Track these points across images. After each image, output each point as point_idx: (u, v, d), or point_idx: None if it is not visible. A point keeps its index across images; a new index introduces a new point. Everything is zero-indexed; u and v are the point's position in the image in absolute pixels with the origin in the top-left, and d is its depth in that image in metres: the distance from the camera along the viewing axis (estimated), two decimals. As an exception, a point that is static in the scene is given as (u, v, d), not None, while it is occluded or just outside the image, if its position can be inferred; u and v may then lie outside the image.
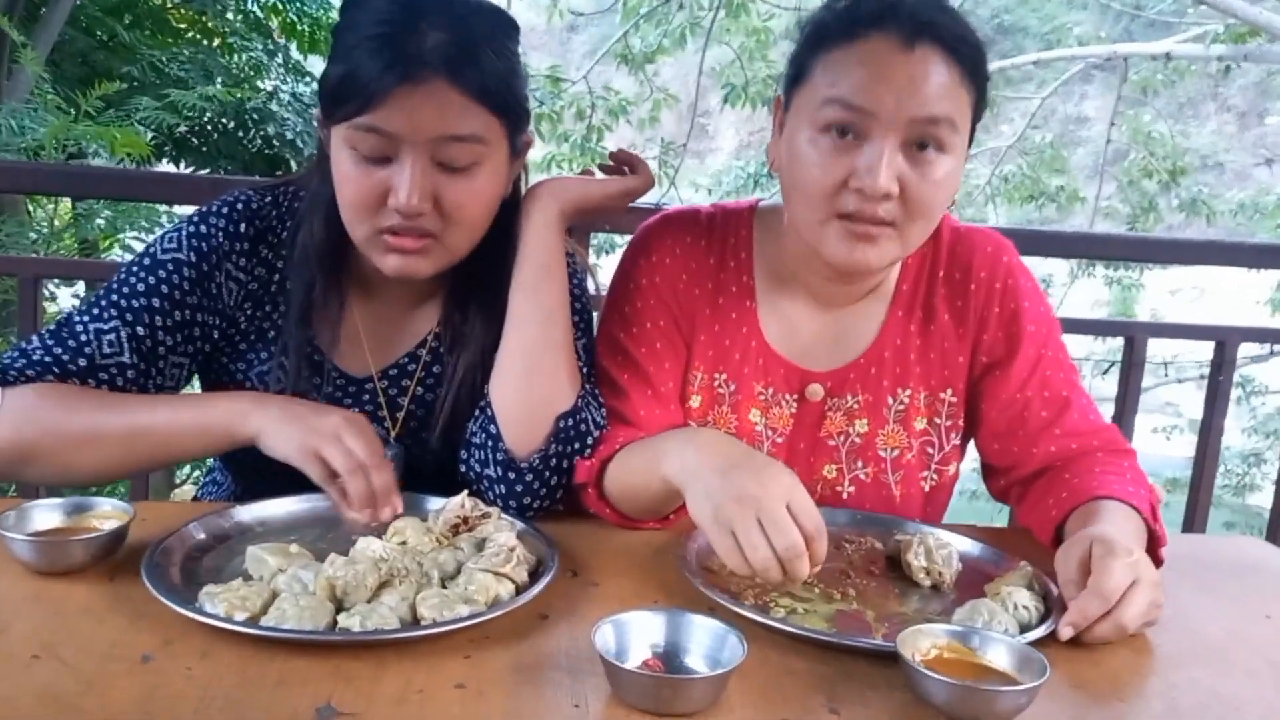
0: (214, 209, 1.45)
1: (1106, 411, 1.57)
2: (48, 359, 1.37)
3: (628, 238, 1.60)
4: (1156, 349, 2.52)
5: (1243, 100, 21.46)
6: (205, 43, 6.47)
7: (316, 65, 6.51)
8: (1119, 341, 2.59)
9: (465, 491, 1.30)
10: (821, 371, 1.50)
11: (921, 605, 1.23)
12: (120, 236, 4.82)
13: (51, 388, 1.35)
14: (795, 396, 1.51)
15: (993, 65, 1.39)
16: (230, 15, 6.57)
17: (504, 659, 1.02)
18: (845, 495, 1.52)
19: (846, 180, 1.31)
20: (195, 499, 1.79)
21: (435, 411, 1.49)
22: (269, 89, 6.14)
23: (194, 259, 1.42)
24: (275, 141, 5.77)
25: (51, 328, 1.40)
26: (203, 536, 1.25)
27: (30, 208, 4.96)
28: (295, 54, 6.69)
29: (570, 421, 1.40)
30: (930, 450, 1.52)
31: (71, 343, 1.38)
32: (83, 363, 1.37)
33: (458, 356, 1.49)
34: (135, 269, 1.42)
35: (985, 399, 1.51)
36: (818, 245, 1.36)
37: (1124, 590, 1.12)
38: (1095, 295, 10.57)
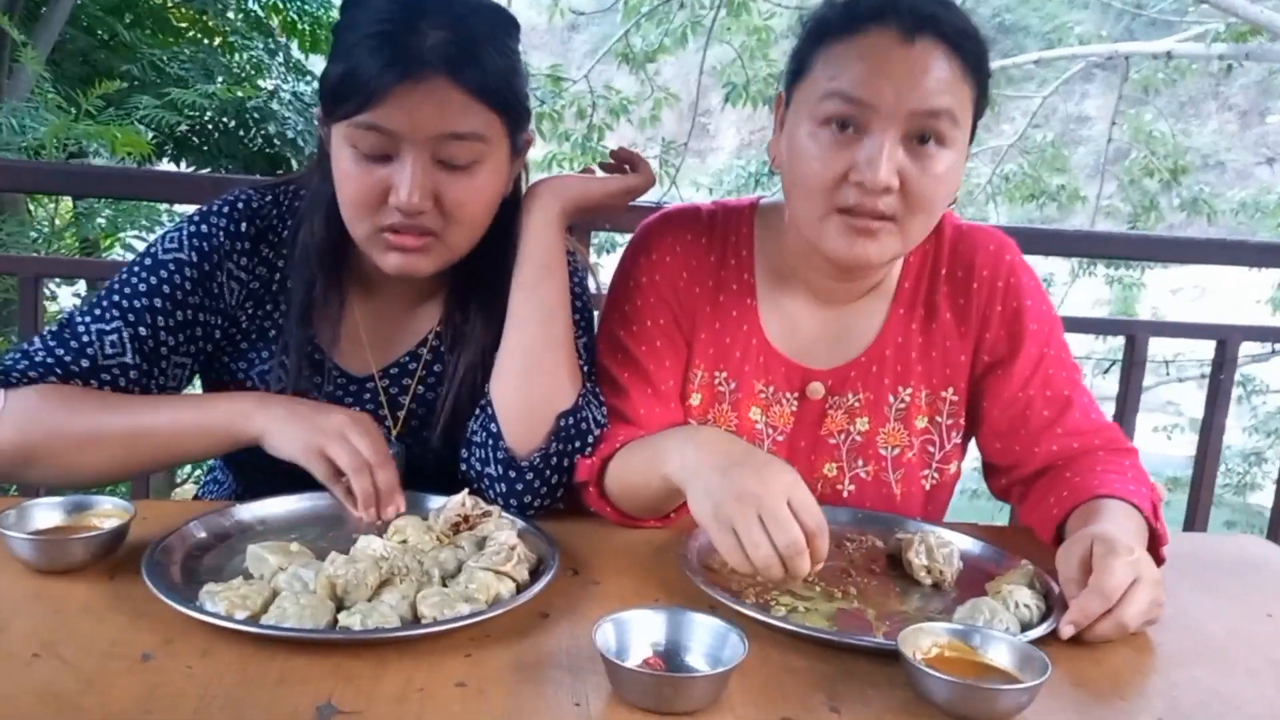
0: (215, 208, 1.45)
1: (1107, 410, 1.57)
2: (50, 360, 1.37)
3: (628, 237, 1.60)
4: (1157, 348, 2.52)
5: (1244, 99, 21.44)
6: (206, 42, 6.46)
7: (317, 64, 6.50)
8: (1120, 340, 2.59)
9: (466, 490, 1.30)
10: (822, 369, 1.50)
11: (922, 604, 1.23)
12: (121, 236, 4.81)
13: (54, 389, 1.35)
14: (796, 395, 1.51)
15: (994, 64, 1.39)
16: (231, 14, 6.57)
17: (505, 657, 1.02)
18: (845, 494, 1.51)
19: (847, 174, 1.30)
20: (196, 498, 1.79)
21: (436, 410, 1.49)
22: (270, 88, 6.13)
23: (195, 259, 1.42)
24: (276, 140, 5.76)
25: (53, 328, 1.40)
26: (203, 535, 1.25)
27: (31, 207, 4.95)
28: (296, 53, 6.68)
29: (571, 420, 1.40)
30: (931, 449, 1.52)
31: (73, 343, 1.38)
32: (85, 363, 1.37)
33: (458, 355, 1.49)
34: (136, 269, 1.42)
35: (987, 398, 1.51)
36: (818, 241, 1.36)
37: (1125, 589, 1.11)
38: (1096, 294, 10.56)
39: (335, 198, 1.37)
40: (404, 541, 1.24)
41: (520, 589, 1.14)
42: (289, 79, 6.46)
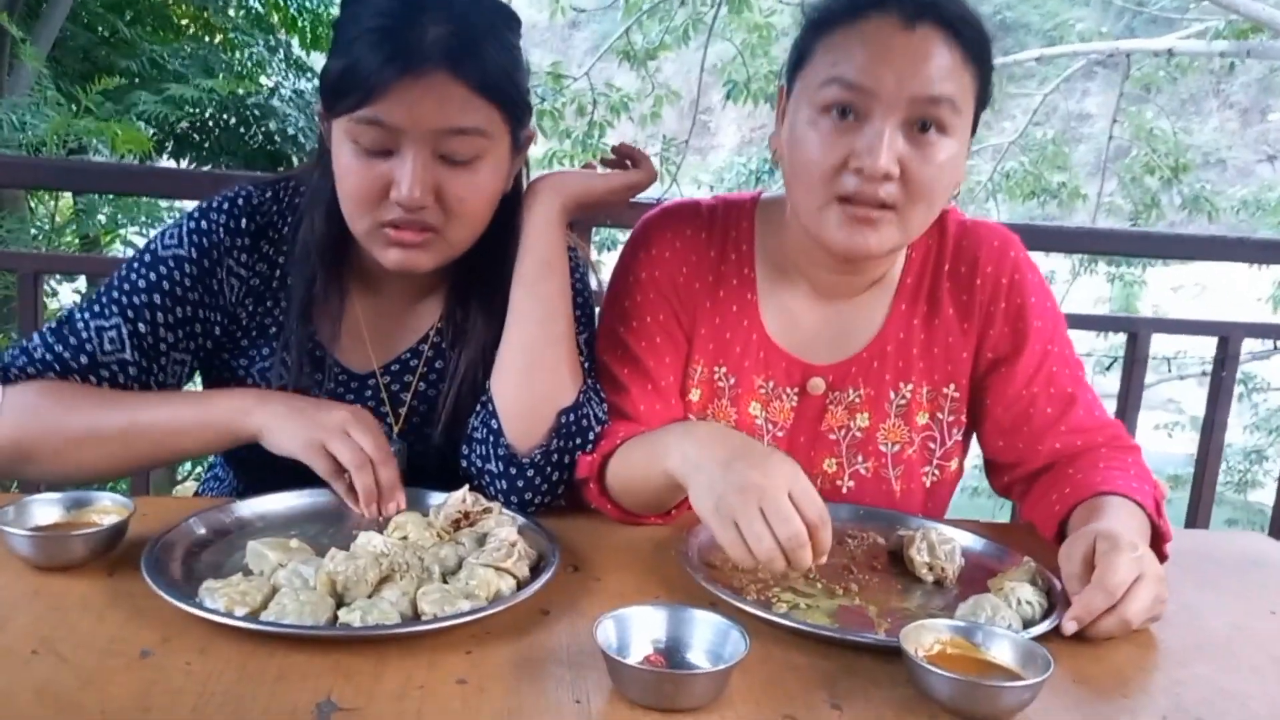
0: (215, 204, 1.45)
1: (1109, 408, 1.56)
2: (49, 357, 1.37)
3: (629, 234, 1.60)
4: (1158, 346, 2.52)
5: (1245, 97, 21.43)
6: (206, 39, 6.46)
7: (318, 61, 6.50)
8: (1120, 339, 2.59)
9: (466, 486, 1.30)
10: (823, 365, 1.50)
11: (924, 601, 1.23)
12: (121, 232, 4.81)
13: (52, 385, 1.35)
14: (796, 390, 1.50)
15: (995, 61, 1.38)
16: (231, 11, 6.57)
17: (505, 654, 1.02)
18: (845, 490, 1.51)
19: (846, 161, 1.30)
20: (197, 495, 1.79)
21: (438, 407, 1.49)
22: (270, 85, 6.13)
23: (195, 255, 1.42)
24: (277, 137, 5.76)
25: (53, 325, 1.40)
26: (203, 531, 1.24)
27: (31, 204, 4.96)
28: (297, 50, 6.68)
29: (572, 417, 1.39)
30: (932, 445, 1.52)
31: (73, 340, 1.38)
32: (84, 360, 1.37)
33: (459, 352, 1.49)
34: (136, 265, 1.41)
35: (990, 395, 1.50)
36: (818, 230, 1.35)
37: (1128, 585, 1.11)
38: (1097, 292, 10.58)
39: (336, 193, 1.37)
40: (404, 538, 1.23)
41: (521, 586, 1.14)
42: (290, 76, 6.46)
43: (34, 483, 1.84)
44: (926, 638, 1.02)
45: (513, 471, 1.38)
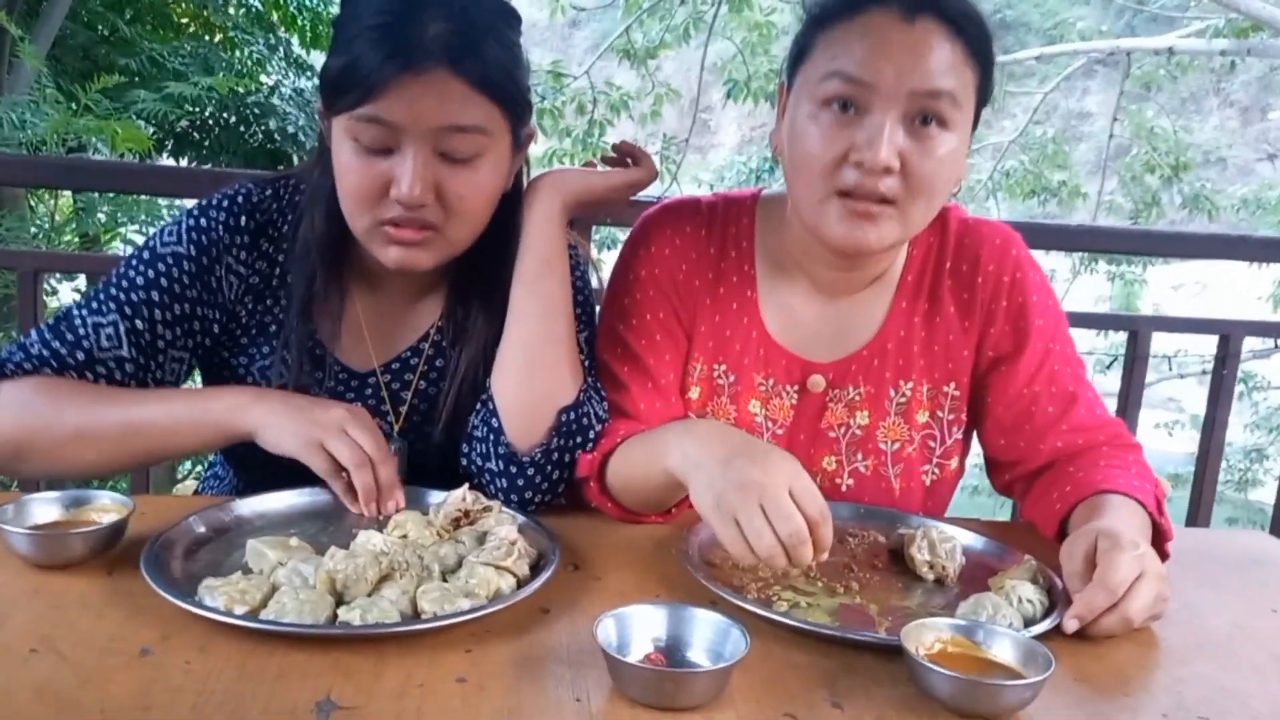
0: (214, 202, 1.45)
1: (1110, 407, 1.56)
2: (45, 353, 1.36)
3: (629, 231, 1.59)
4: (1158, 344, 2.51)
5: (1245, 95, 21.43)
6: (206, 38, 6.46)
7: (318, 60, 6.50)
8: (1120, 337, 2.59)
9: (466, 485, 1.30)
10: (823, 362, 1.50)
11: (925, 599, 1.22)
12: (121, 230, 4.81)
13: (48, 381, 1.35)
14: (796, 387, 1.50)
15: (996, 58, 1.38)
16: (231, 10, 6.56)
17: (505, 653, 1.02)
18: (844, 488, 1.51)
19: (847, 154, 1.30)
20: (197, 493, 1.79)
21: (438, 405, 1.49)
22: (270, 83, 6.13)
23: (194, 252, 1.41)
24: (277, 136, 5.76)
25: (50, 322, 1.40)
26: (202, 530, 1.24)
27: (31, 203, 4.95)
28: (297, 48, 6.68)
29: (572, 415, 1.39)
30: (932, 444, 1.52)
31: (69, 336, 1.38)
32: (80, 356, 1.37)
33: (460, 351, 1.49)
34: (135, 263, 1.41)
35: (991, 394, 1.50)
36: (818, 225, 1.35)
37: (1130, 583, 1.11)
38: (1098, 291, 10.57)
39: (336, 192, 1.36)
40: (404, 536, 1.23)
41: (521, 584, 1.13)
42: (290, 74, 6.46)
43: (32, 480, 1.84)
44: (927, 636, 1.02)
45: (513, 470, 1.38)
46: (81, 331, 1.38)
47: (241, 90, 5.50)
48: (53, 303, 4.68)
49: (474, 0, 1.32)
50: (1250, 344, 2.86)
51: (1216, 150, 19.91)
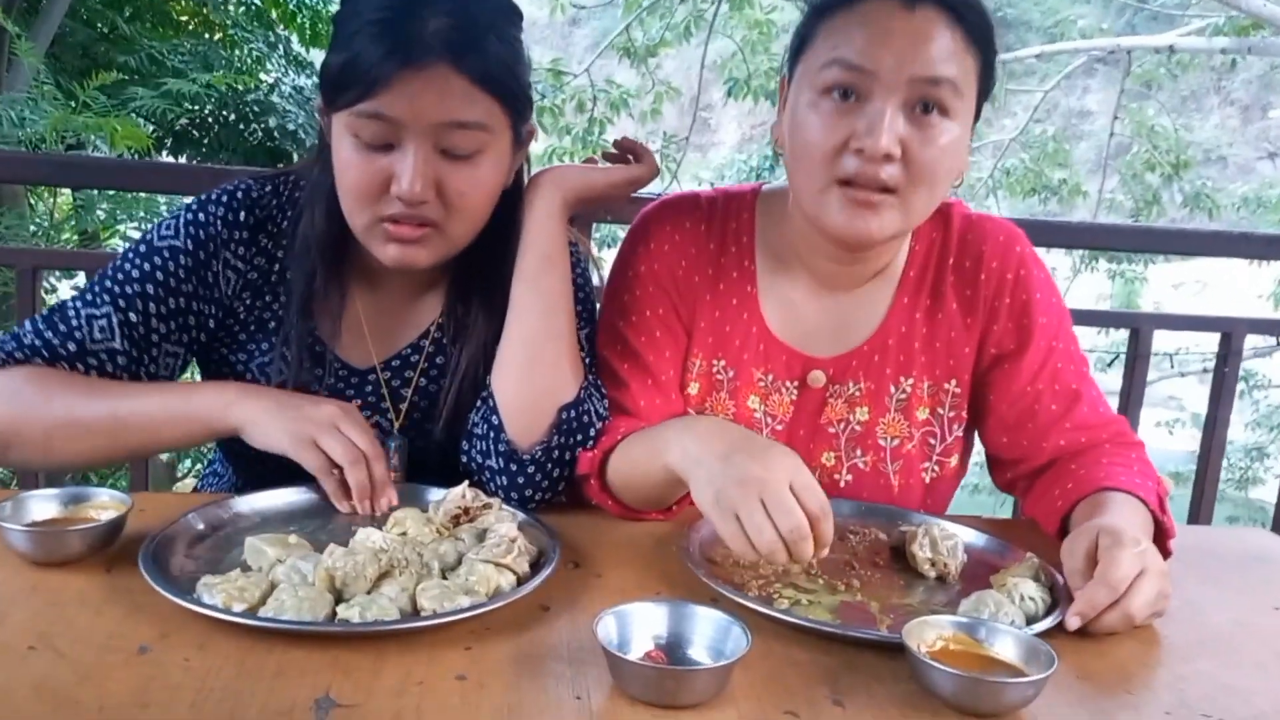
0: (213, 197, 1.44)
1: (1111, 405, 1.56)
2: (38, 343, 1.37)
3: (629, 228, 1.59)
4: (1159, 342, 2.51)
5: (1246, 94, 21.41)
6: (206, 35, 6.45)
7: (317, 57, 6.49)
8: (1121, 335, 2.59)
9: (466, 482, 1.29)
10: (824, 358, 1.49)
11: (926, 597, 1.22)
12: (120, 228, 4.81)
13: (38, 372, 1.35)
14: (796, 383, 1.49)
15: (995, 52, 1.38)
16: (230, 8, 6.56)
17: (505, 651, 1.01)
18: (843, 484, 1.50)
19: (847, 142, 1.30)
20: (196, 491, 1.79)
21: (438, 403, 1.48)
22: (270, 81, 6.12)
23: (190, 246, 1.41)
24: (277, 134, 5.76)
25: (45, 312, 1.41)
26: (201, 527, 1.24)
27: (31, 201, 4.95)
28: (296, 46, 6.67)
29: (573, 413, 1.39)
30: (932, 441, 1.51)
31: (63, 327, 1.37)
32: (72, 347, 1.37)
33: (460, 348, 1.48)
34: (131, 256, 1.41)
35: (994, 391, 1.49)
36: (818, 215, 1.35)
37: (1131, 580, 1.11)
38: (1098, 289, 10.58)
39: (336, 188, 1.36)
40: (403, 534, 1.23)
41: (521, 582, 1.13)
42: (289, 72, 6.46)
43: (19, 469, 1.84)
44: (929, 634, 1.02)
45: (513, 468, 1.37)
46: (75, 323, 1.38)
47: (241, 88, 5.49)
48: (51, 300, 4.67)
49: None
50: (1251, 342, 2.86)
51: (1217, 149, 19.90)
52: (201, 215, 1.42)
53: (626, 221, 1.59)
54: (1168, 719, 0.98)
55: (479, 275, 1.48)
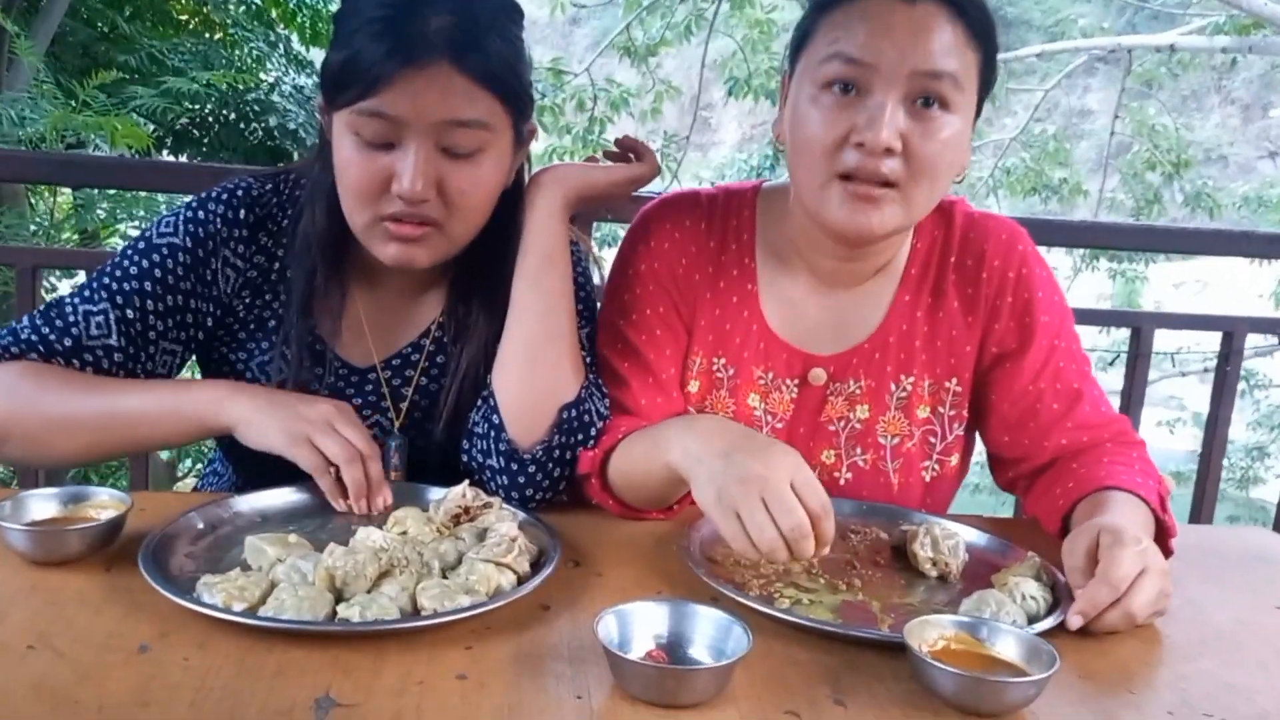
0: (213, 195, 1.44)
1: (1112, 405, 1.55)
2: (34, 338, 1.37)
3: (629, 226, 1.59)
4: (1160, 342, 2.51)
5: (1247, 93, 21.40)
6: (206, 35, 6.45)
7: (318, 57, 6.49)
8: (1122, 335, 2.59)
9: (466, 481, 1.29)
10: (825, 355, 1.49)
11: (928, 596, 1.22)
12: (120, 227, 4.81)
13: (33, 366, 1.35)
14: (796, 381, 1.49)
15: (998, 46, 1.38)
16: (231, 7, 6.56)
17: (505, 650, 1.01)
18: (843, 481, 1.50)
19: (848, 136, 1.29)
20: (196, 490, 1.78)
21: (439, 402, 1.48)
22: (270, 80, 6.12)
23: (189, 244, 1.41)
24: (277, 133, 5.76)
25: (43, 308, 1.41)
26: (201, 526, 1.24)
27: (31, 200, 4.95)
28: (296, 45, 6.67)
29: (573, 413, 1.38)
30: (932, 439, 1.51)
31: (59, 322, 1.37)
32: (68, 343, 1.37)
33: (461, 348, 1.48)
34: (130, 253, 1.41)
35: (996, 390, 1.49)
36: (819, 210, 1.34)
37: (1133, 578, 1.10)
38: (1099, 289, 10.57)
39: (336, 187, 1.36)
40: (404, 533, 1.23)
41: (521, 581, 1.13)
42: (290, 71, 6.46)
43: (14, 465, 1.83)
44: (930, 633, 1.02)
45: (514, 467, 1.37)
46: (72, 318, 1.37)
47: (241, 87, 5.49)
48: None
49: None
50: (1251, 341, 2.86)
51: (1218, 148, 19.89)
52: (201, 213, 1.42)
53: (627, 220, 1.59)
54: (1170, 718, 0.98)
55: (480, 274, 1.48)
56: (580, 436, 1.39)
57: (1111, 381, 2.18)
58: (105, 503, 1.22)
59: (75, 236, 4.71)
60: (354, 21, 1.28)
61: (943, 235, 1.49)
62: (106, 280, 1.39)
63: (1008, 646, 1.00)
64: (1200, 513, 2.57)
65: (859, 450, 1.50)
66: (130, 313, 1.38)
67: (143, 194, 4.65)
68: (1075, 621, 1.09)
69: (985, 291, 1.47)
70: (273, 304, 1.47)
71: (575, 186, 1.45)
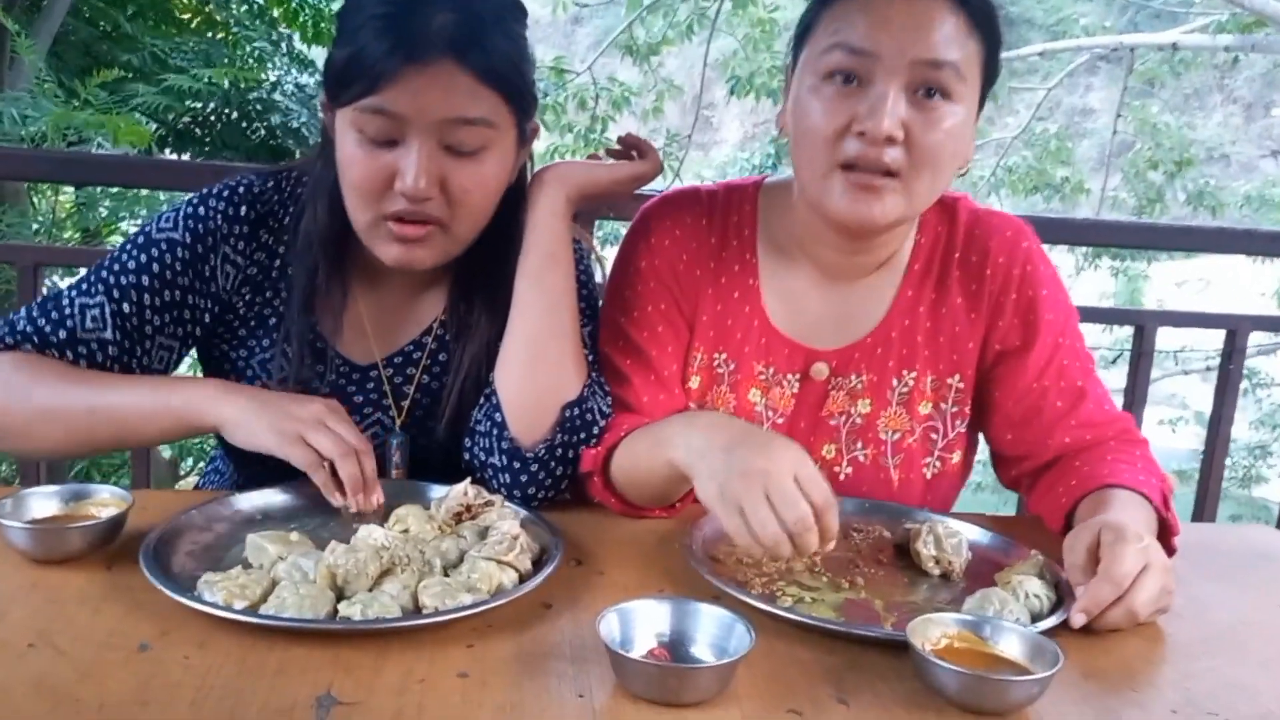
0: (214, 191, 1.44)
1: (1116, 402, 1.55)
2: (29, 329, 1.37)
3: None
4: (1162, 340, 2.50)
5: (1249, 92, 21.36)
6: (208, 34, 6.46)
7: (320, 56, 6.49)
8: (1124, 333, 2.58)
9: (468, 479, 1.29)
10: (827, 350, 1.48)
11: (931, 594, 1.22)
12: (121, 226, 4.81)
13: (27, 358, 1.35)
14: (797, 376, 1.49)
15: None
16: (233, 6, 6.56)
17: (507, 648, 1.01)
18: (843, 477, 1.50)
19: (850, 125, 1.29)
20: (197, 488, 1.78)
21: (441, 400, 1.48)
22: (272, 79, 6.12)
23: (188, 240, 1.41)
24: (279, 132, 5.76)
25: (40, 299, 1.41)
26: (202, 524, 1.23)
27: (33, 199, 4.95)
28: (299, 44, 6.67)
29: (576, 411, 1.38)
30: (934, 436, 1.50)
31: (55, 315, 1.38)
32: (63, 335, 1.37)
33: (463, 346, 1.48)
34: (129, 247, 1.41)
35: (999, 388, 1.49)
36: (821, 200, 1.34)
37: (1135, 576, 1.10)
38: (1101, 287, 10.55)
39: (339, 185, 1.35)
40: (405, 531, 1.23)
41: (523, 579, 1.13)
42: (292, 70, 6.46)
43: (20, 460, 1.83)
44: (933, 631, 1.01)
45: (516, 465, 1.37)
46: (68, 311, 1.38)
47: (243, 85, 5.49)
48: (53, 299, 4.66)
49: None
50: (1254, 340, 2.85)
51: (1220, 147, 19.84)
52: (201, 209, 1.42)
53: (630, 219, 1.59)
54: (1174, 717, 0.98)
55: (482, 272, 1.48)
56: (583, 435, 1.39)
57: (1114, 380, 2.18)
58: (106, 501, 1.22)
59: (77, 235, 4.71)
60: (357, 18, 1.28)
61: (947, 231, 1.49)
62: (104, 274, 1.39)
63: (1011, 645, 1.00)
64: (1203, 511, 2.57)
65: (859, 445, 1.50)
66: (126, 306, 1.38)
67: (144, 192, 4.65)
68: (1078, 619, 1.09)
69: (989, 288, 1.47)
70: (273, 301, 1.46)
71: (578, 184, 1.45)
